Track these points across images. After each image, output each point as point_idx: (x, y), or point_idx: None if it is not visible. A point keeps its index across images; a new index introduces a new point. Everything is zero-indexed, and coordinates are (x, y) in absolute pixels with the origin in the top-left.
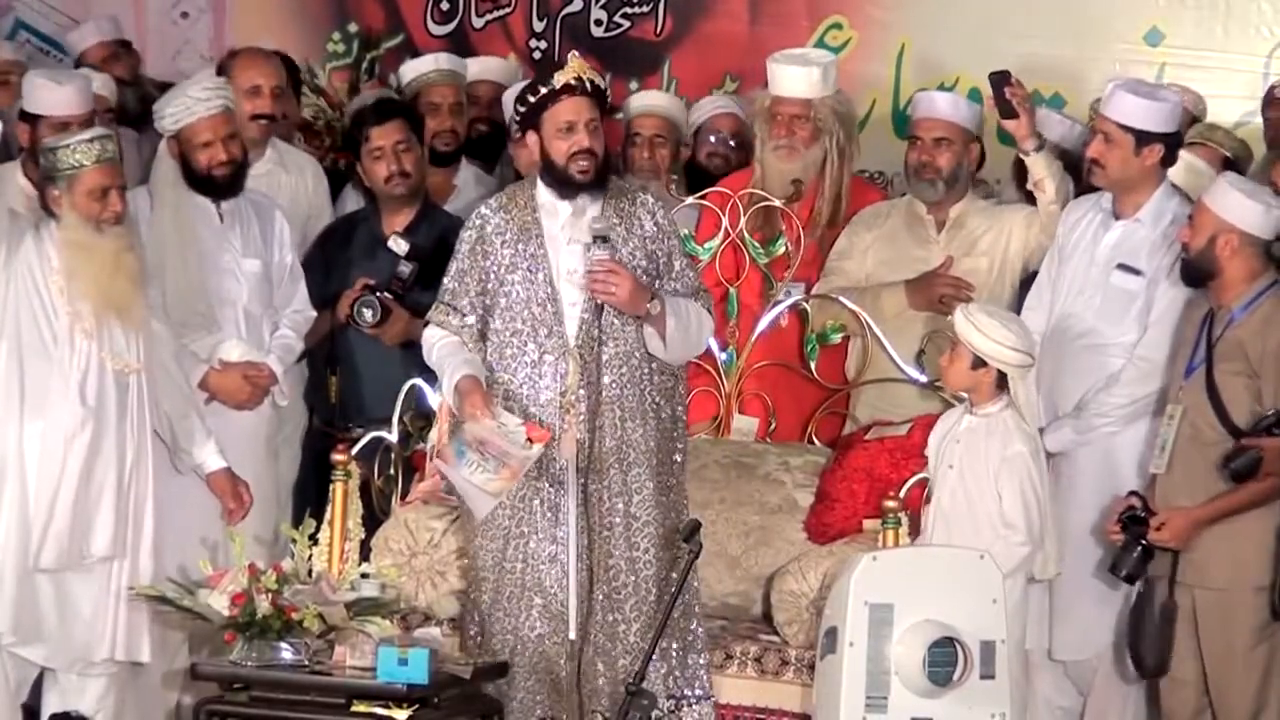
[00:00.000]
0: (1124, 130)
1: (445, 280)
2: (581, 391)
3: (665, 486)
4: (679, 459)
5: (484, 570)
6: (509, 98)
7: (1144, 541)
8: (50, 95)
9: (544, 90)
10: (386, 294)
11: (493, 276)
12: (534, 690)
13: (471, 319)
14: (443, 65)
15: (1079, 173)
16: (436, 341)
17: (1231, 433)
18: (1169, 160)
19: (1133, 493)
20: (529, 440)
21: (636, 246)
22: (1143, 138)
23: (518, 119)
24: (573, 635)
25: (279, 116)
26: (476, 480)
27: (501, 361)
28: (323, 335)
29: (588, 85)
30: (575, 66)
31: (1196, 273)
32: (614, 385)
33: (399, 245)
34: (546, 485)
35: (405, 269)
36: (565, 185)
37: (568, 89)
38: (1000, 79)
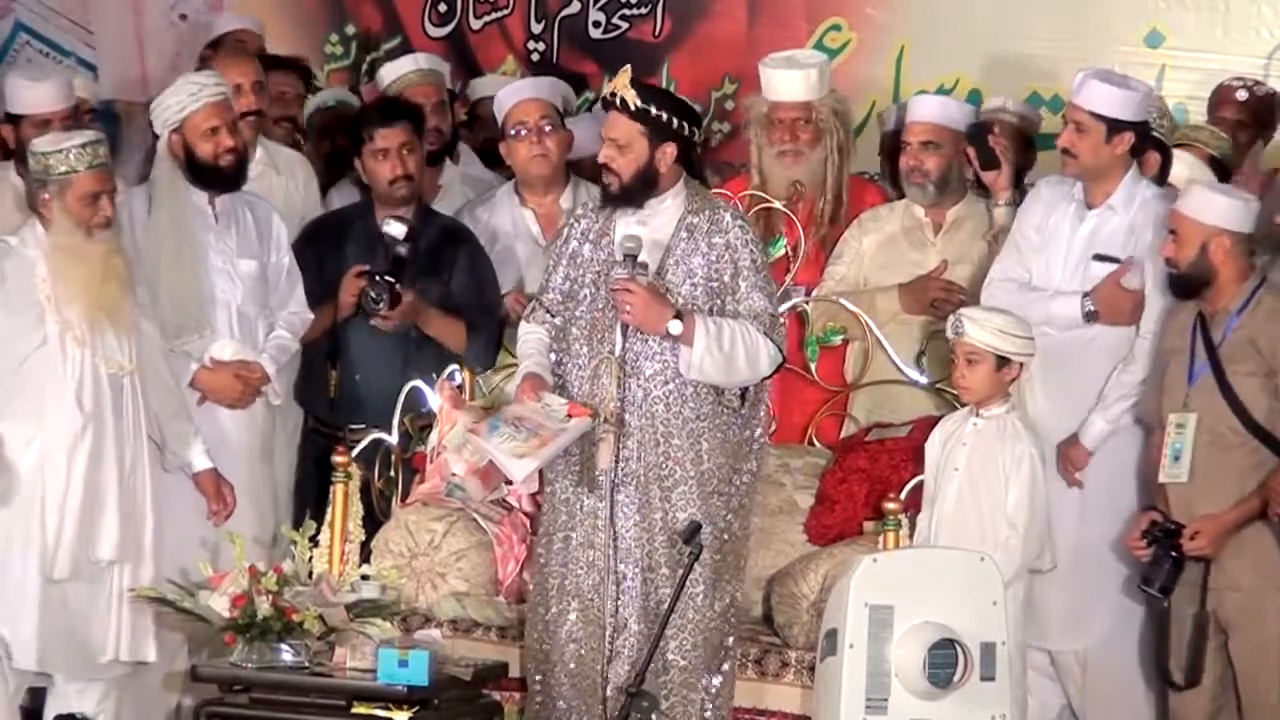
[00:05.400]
0: (1095, 118)
1: (543, 278)
2: (619, 403)
3: (724, 505)
4: (746, 479)
5: (534, 569)
6: (505, 97)
7: (1175, 554)
8: (28, 94)
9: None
10: (389, 277)
11: (577, 275)
12: (567, 693)
13: (558, 319)
14: (423, 65)
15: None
16: (526, 336)
17: (1254, 433)
18: (1138, 149)
19: (1151, 507)
20: (568, 416)
21: (699, 264)
22: (1114, 126)
23: None
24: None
25: (264, 111)
26: (504, 449)
27: (564, 360)
28: (323, 330)
29: (617, 101)
30: (614, 82)
31: (1191, 283)
32: (657, 402)
33: (394, 228)
34: (586, 491)
35: (403, 250)
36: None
37: (604, 103)
38: (981, 130)
